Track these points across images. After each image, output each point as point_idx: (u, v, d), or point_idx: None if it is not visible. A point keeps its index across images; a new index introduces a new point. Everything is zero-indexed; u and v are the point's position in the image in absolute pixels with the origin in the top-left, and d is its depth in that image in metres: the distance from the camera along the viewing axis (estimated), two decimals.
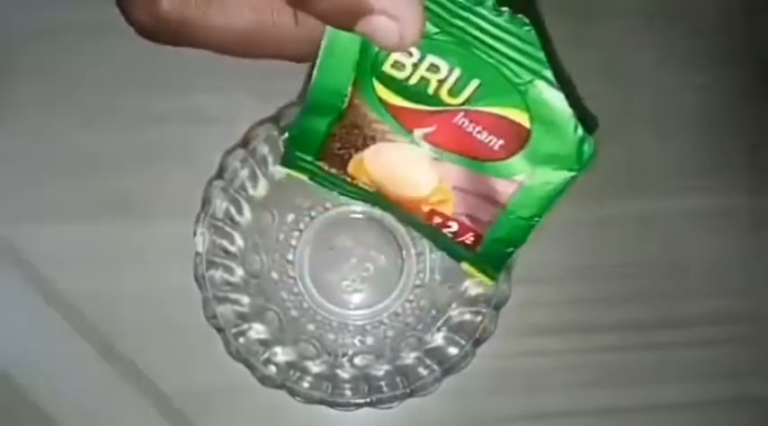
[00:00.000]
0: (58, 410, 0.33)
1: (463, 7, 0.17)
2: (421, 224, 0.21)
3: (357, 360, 0.32)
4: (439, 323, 0.31)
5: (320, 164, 0.21)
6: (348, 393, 0.29)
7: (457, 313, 0.31)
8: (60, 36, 0.35)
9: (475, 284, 0.31)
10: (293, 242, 0.33)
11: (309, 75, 0.18)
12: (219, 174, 0.30)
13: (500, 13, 0.17)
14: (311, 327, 0.32)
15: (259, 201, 0.31)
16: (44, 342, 0.34)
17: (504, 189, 0.19)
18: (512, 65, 0.17)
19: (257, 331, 0.30)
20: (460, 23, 0.17)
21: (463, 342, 0.29)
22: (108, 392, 0.33)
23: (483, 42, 0.17)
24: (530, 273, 0.32)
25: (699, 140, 0.37)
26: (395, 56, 0.18)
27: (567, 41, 0.38)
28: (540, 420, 0.34)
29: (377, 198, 0.21)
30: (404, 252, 0.34)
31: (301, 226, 0.33)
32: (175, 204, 0.31)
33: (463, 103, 0.18)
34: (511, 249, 0.21)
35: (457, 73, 0.18)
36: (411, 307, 0.33)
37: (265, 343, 0.30)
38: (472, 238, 0.21)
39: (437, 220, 0.21)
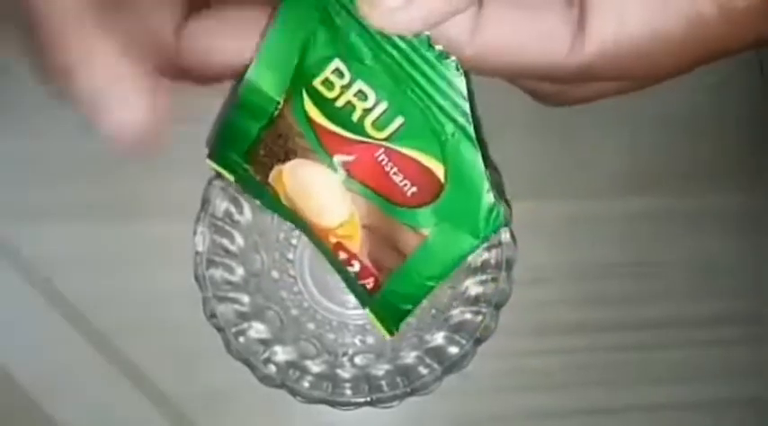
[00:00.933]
0: (57, 410, 0.33)
1: (400, 38, 0.16)
2: (331, 256, 0.20)
3: (357, 360, 0.32)
4: (439, 323, 0.31)
5: (247, 167, 0.20)
6: (348, 392, 0.29)
7: (457, 312, 0.31)
8: None
9: (475, 284, 0.31)
10: (293, 241, 0.33)
11: None
12: (219, 174, 0.30)
13: (434, 51, 0.16)
14: (311, 326, 0.32)
15: None
16: (44, 342, 0.34)
17: (409, 239, 0.18)
18: (437, 111, 0.17)
19: (257, 330, 0.30)
20: (395, 54, 0.16)
21: (464, 342, 0.29)
22: (108, 391, 0.33)
23: (413, 80, 0.17)
24: (530, 273, 0.32)
25: (702, 141, 0.37)
26: (326, 73, 0.17)
27: None
28: (541, 419, 0.34)
29: (293, 216, 0.20)
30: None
31: None
32: (175, 203, 0.31)
33: (385, 139, 0.17)
34: (408, 306, 0.20)
35: (383, 106, 0.17)
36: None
37: (265, 343, 0.30)
38: (372, 283, 0.20)
39: (342, 256, 0.20)
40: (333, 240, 0.19)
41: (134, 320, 0.33)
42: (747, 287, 0.36)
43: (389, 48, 0.16)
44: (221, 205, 0.30)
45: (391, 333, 0.21)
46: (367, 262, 0.19)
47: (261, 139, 0.19)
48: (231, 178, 0.20)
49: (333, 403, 0.29)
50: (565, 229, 0.36)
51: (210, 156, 0.20)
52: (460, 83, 0.17)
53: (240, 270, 0.30)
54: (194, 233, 0.29)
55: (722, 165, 0.37)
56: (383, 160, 0.18)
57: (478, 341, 0.29)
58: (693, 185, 0.37)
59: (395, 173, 0.18)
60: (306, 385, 0.29)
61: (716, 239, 0.36)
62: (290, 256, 0.33)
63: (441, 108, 0.17)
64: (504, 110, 0.37)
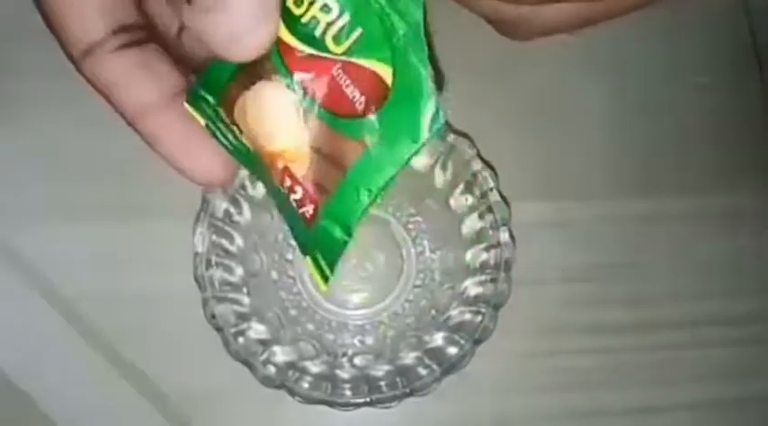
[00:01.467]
0: (57, 410, 0.33)
1: None
2: (281, 195, 0.20)
3: (357, 360, 0.32)
4: (438, 323, 0.31)
5: (220, 110, 0.20)
6: (348, 392, 0.29)
7: (456, 313, 0.31)
8: None
9: (474, 284, 0.31)
10: (293, 241, 0.33)
11: None
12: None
13: None
14: (310, 327, 0.32)
15: (259, 201, 0.31)
16: (44, 342, 0.34)
17: (351, 151, 0.18)
18: (392, 15, 0.17)
19: (256, 330, 0.30)
20: None
21: (463, 342, 0.29)
22: (108, 392, 0.33)
23: None
24: (529, 273, 0.32)
25: (703, 141, 0.37)
26: None
27: (570, 38, 0.38)
28: (540, 420, 0.34)
29: (252, 157, 0.20)
30: (403, 252, 0.34)
31: None
32: (175, 204, 0.31)
33: (343, 53, 0.18)
34: (341, 235, 0.19)
35: (346, 18, 0.17)
36: (411, 307, 0.33)
37: (265, 343, 0.30)
38: (311, 211, 0.19)
39: (287, 183, 0.19)
40: (280, 165, 0.19)
41: (133, 320, 0.33)
42: (749, 286, 0.36)
43: None
44: (221, 205, 0.30)
45: (326, 280, 0.20)
46: (309, 187, 0.19)
47: (236, 76, 0.19)
48: (202, 122, 0.20)
49: (332, 404, 0.29)
50: (564, 230, 0.36)
51: (187, 100, 0.20)
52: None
53: (239, 271, 0.30)
54: (194, 233, 0.29)
55: (722, 166, 0.37)
56: (339, 75, 0.18)
57: (477, 342, 0.29)
58: (693, 186, 0.37)
59: (348, 86, 0.18)
60: (305, 385, 0.29)
61: (719, 239, 0.36)
62: (290, 257, 0.33)
63: (397, 11, 0.17)
64: (504, 110, 0.37)
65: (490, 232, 0.31)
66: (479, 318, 0.30)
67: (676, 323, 0.35)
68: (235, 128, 0.20)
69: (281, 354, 0.30)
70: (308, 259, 0.20)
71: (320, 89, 0.18)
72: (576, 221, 0.36)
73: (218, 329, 0.29)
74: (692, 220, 0.36)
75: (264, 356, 0.29)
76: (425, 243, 0.34)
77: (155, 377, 0.33)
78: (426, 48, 0.17)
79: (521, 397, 0.34)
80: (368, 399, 0.29)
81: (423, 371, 0.30)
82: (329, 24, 0.17)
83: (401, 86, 0.17)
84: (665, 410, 0.35)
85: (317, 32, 0.18)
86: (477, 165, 0.31)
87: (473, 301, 0.31)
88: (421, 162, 0.32)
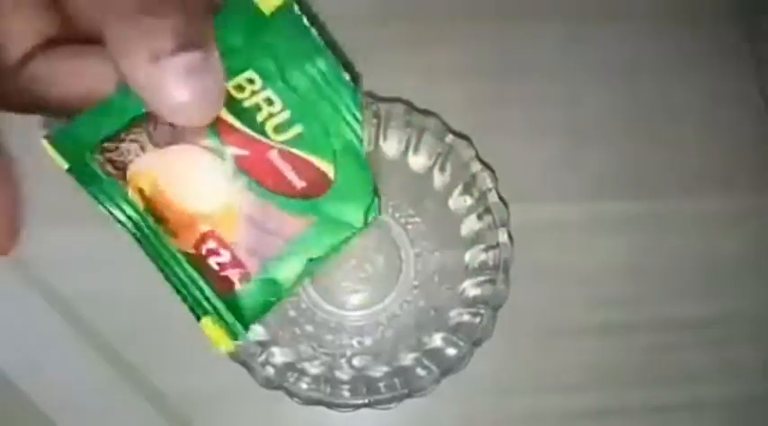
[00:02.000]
0: (57, 410, 0.33)
1: (310, 64, 0.19)
2: (173, 256, 0.20)
3: (355, 361, 0.32)
4: (437, 325, 0.31)
5: (96, 156, 0.19)
6: (346, 394, 0.29)
7: (455, 314, 0.31)
8: None
9: (473, 285, 0.31)
10: None
11: None
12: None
13: (342, 77, 0.19)
14: (309, 328, 0.32)
15: None
16: (43, 343, 0.34)
17: (293, 226, 0.20)
18: (335, 126, 0.20)
19: (255, 332, 0.30)
20: (305, 76, 0.19)
21: (462, 343, 0.29)
22: (107, 392, 0.33)
23: (319, 97, 0.19)
24: (528, 274, 0.32)
25: (701, 143, 0.37)
26: (239, 79, 0.19)
27: (569, 41, 0.38)
28: (539, 420, 0.34)
29: (139, 218, 0.20)
30: (402, 253, 0.34)
31: None
32: None
33: (283, 142, 0.19)
34: (273, 298, 0.21)
35: (287, 114, 0.19)
36: (409, 308, 0.33)
37: (263, 344, 0.30)
38: (238, 275, 0.21)
39: (210, 245, 0.20)
40: (203, 228, 0.20)
41: (132, 321, 0.33)
42: (750, 286, 0.36)
43: (300, 73, 0.19)
44: None
45: (234, 338, 0.21)
46: (239, 253, 0.20)
47: (135, 123, 0.19)
48: (65, 166, 0.20)
49: (331, 405, 0.29)
50: (562, 231, 0.36)
51: (49, 139, 0.19)
52: (358, 106, 0.20)
53: None
54: None
55: (722, 166, 0.37)
56: (277, 159, 0.20)
57: (476, 343, 0.29)
58: (692, 187, 0.37)
59: (287, 170, 0.20)
60: (304, 386, 0.29)
61: (720, 239, 0.36)
62: None
63: (339, 123, 0.20)
64: (506, 113, 0.37)
65: (489, 233, 0.31)
66: (478, 319, 0.30)
67: (676, 323, 0.35)
68: (118, 181, 0.20)
69: (279, 355, 0.30)
70: (209, 319, 0.21)
71: (255, 167, 0.20)
72: (575, 222, 0.36)
73: None
74: (691, 221, 0.36)
75: (263, 357, 0.29)
76: (424, 244, 0.34)
77: (154, 377, 0.33)
78: (367, 160, 0.20)
79: (519, 398, 0.34)
80: (367, 400, 0.29)
81: (421, 372, 0.30)
82: (271, 115, 0.19)
83: (343, 182, 0.20)
84: (665, 409, 0.35)
85: (259, 118, 0.19)
86: (475, 166, 0.31)
87: (472, 302, 0.31)
88: (420, 163, 0.33)
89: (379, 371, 0.30)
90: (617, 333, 0.35)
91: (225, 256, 0.20)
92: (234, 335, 0.21)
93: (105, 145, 0.19)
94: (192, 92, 0.17)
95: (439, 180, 0.32)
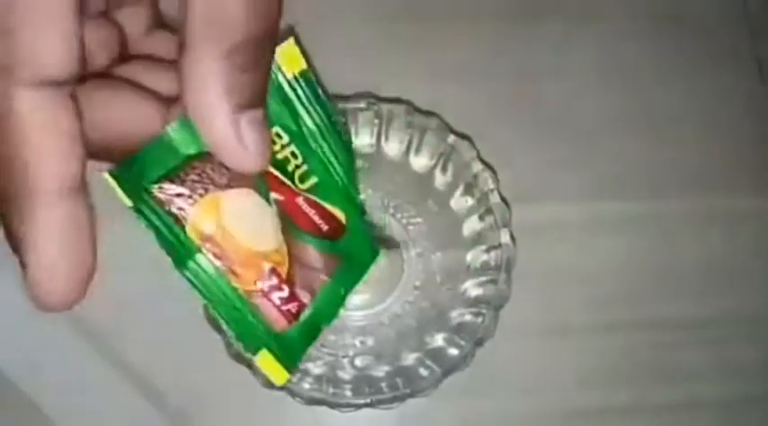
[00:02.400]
0: (57, 410, 0.33)
1: (316, 115, 0.22)
2: (230, 293, 0.22)
3: (358, 361, 0.32)
4: (439, 325, 0.31)
5: (155, 193, 0.20)
6: (349, 393, 0.29)
7: (457, 314, 0.31)
8: None
9: (475, 285, 0.31)
10: None
11: None
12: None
13: (342, 136, 0.22)
14: None
15: None
16: (43, 343, 0.34)
17: (330, 262, 0.23)
18: (341, 175, 0.23)
19: None
20: (309, 124, 0.22)
21: (463, 343, 0.30)
22: (108, 393, 0.33)
23: (323, 148, 0.22)
24: (529, 274, 0.32)
25: (700, 144, 0.38)
26: (276, 128, 0.21)
27: (569, 42, 0.38)
28: (541, 420, 0.34)
29: (197, 256, 0.21)
30: (404, 254, 0.34)
31: None
32: None
33: (306, 190, 0.22)
34: (318, 330, 0.23)
35: (306, 167, 0.22)
36: (411, 309, 0.33)
37: None
38: (296, 307, 0.23)
39: (272, 282, 0.22)
40: (266, 266, 0.22)
41: (133, 321, 0.33)
42: (749, 287, 0.36)
43: (312, 132, 0.22)
44: None
45: (289, 371, 0.23)
46: (296, 288, 0.22)
47: (192, 164, 0.20)
48: (129, 204, 0.20)
49: (333, 405, 0.29)
50: (564, 231, 0.36)
51: (114, 175, 0.20)
52: (353, 161, 0.23)
53: None
54: None
55: (722, 166, 0.37)
56: (303, 205, 0.22)
57: (478, 343, 0.29)
58: (691, 187, 0.37)
59: (312, 215, 0.23)
60: (306, 386, 0.29)
61: (721, 240, 0.37)
62: None
63: (340, 176, 0.23)
64: (507, 112, 0.37)
65: (491, 233, 0.31)
66: (480, 319, 0.30)
67: (675, 322, 0.35)
68: (170, 218, 0.21)
69: None
70: (265, 353, 0.23)
71: (291, 211, 0.22)
72: (576, 222, 0.36)
73: (220, 331, 0.29)
74: (690, 220, 0.37)
75: None
76: (426, 244, 0.34)
77: (154, 377, 0.33)
78: (365, 212, 0.24)
79: (522, 398, 0.34)
80: (369, 400, 0.29)
81: (423, 372, 0.30)
82: (297, 166, 0.22)
83: (352, 225, 0.23)
84: (665, 409, 0.35)
85: (288, 168, 0.22)
86: (477, 167, 0.31)
87: (473, 302, 0.31)
88: (421, 163, 0.33)
89: (381, 371, 0.30)
90: (617, 333, 0.35)
91: (285, 291, 0.22)
92: (288, 368, 0.23)
93: (164, 184, 0.20)
94: (258, 142, 0.18)
95: (440, 180, 0.32)
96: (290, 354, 0.23)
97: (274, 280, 0.22)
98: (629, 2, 0.39)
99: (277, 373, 0.23)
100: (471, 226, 0.32)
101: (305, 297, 0.22)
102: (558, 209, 0.36)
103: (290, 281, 0.22)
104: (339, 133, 0.22)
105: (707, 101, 0.38)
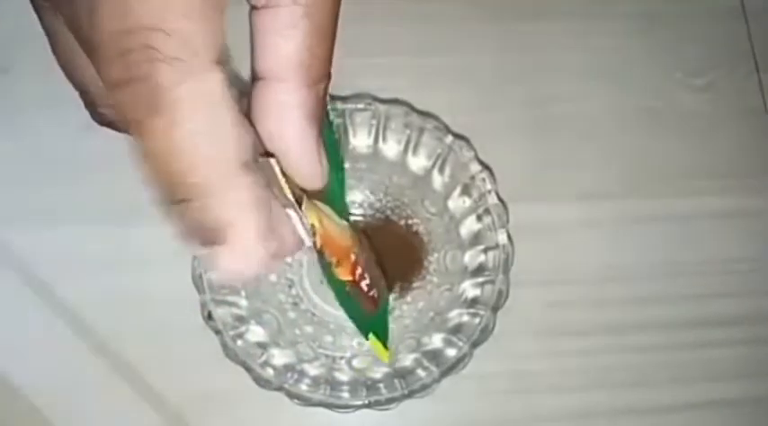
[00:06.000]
0: (56, 411, 0.33)
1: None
2: (343, 284, 0.24)
3: (355, 362, 0.32)
4: (437, 325, 0.31)
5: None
6: (346, 395, 0.29)
7: (455, 315, 0.31)
8: None
9: (473, 286, 0.31)
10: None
11: None
12: None
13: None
14: (309, 329, 0.32)
15: None
16: (43, 344, 0.34)
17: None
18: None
19: (255, 333, 0.30)
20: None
21: (461, 344, 0.29)
22: (106, 394, 0.33)
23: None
24: (527, 275, 0.32)
25: (701, 143, 0.38)
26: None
27: (568, 42, 0.38)
28: (539, 422, 0.34)
29: (319, 248, 0.22)
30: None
31: None
32: None
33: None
34: (387, 307, 0.27)
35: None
36: (409, 309, 0.33)
37: (263, 346, 0.30)
38: (376, 294, 0.25)
39: (359, 271, 0.24)
40: (353, 257, 0.24)
41: (132, 323, 0.33)
42: (749, 287, 0.36)
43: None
44: None
45: (387, 350, 0.26)
46: (370, 276, 0.25)
47: None
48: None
49: (330, 406, 0.29)
50: (561, 233, 0.36)
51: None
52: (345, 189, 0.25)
53: None
54: None
55: (722, 166, 0.37)
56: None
57: (476, 344, 0.29)
58: (691, 187, 0.37)
59: None
60: (303, 387, 0.29)
61: (714, 240, 0.37)
62: (288, 260, 0.33)
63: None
64: (504, 114, 0.37)
65: (488, 234, 0.31)
66: (478, 320, 0.30)
67: (676, 323, 0.35)
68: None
69: (279, 356, 0.30)
70: (372, 337, 0.27)
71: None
72: (574, 223, 0.36)
73: (217, 332, 0.29)
74: (690, 221, 0.36)
75: (263, 358, 0.29)
76: (424, 245, 0.34)
77: (154, 378, 0.33)
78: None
79: (519, 398, 0.34)
80: (366, 401, 0.29)
81: (421, 373, 0.30)
82: None
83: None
84: (665, 410, 0.35)
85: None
86: (475, 167, 0.31)
87: (471, 303, 0.31)
88: (419, 164, 0.33)
89: (378, 372, 0.30)
90: (617, 334, 0.35)
91: (367, 279, 0.25)
92: (387, 347, 0.26)
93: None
94: (325, 159, 0.20)
95: (438, 181, 0.32)
96: (383, 334, 0.27)
97: (359, 270, 0.24)
98: (628, 2, 0.39)
99: (382, 352, 0.27)
100: (469, 226, 0.32)
101: (378, 286, 0.26)
102: (556, 210, 0.36)
103: (367, 270, 0.25)
104: (340, 156, 0.24)
105: (707, 101, 0.38)
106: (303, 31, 0.18)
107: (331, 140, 0.23)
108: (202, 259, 0.19)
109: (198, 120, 0.16)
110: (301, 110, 0.18)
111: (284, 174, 0.19)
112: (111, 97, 0.16)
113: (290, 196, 0.20)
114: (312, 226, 0.21)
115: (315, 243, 0.21)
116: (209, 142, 0.16)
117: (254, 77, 0.18)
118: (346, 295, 0.25)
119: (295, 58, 0.18)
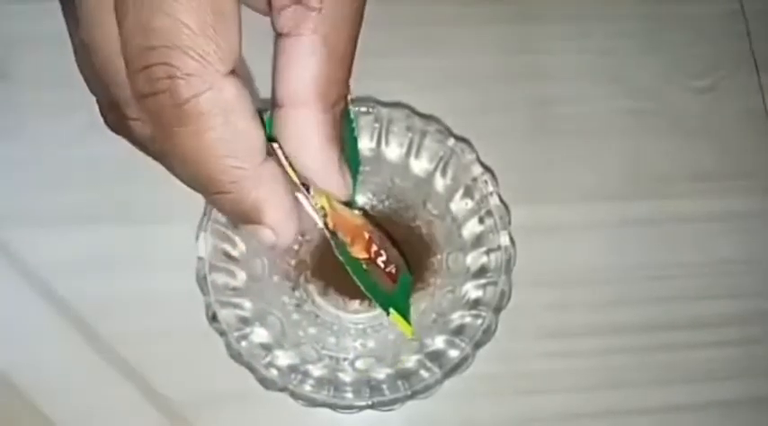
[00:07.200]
0: (57, 412, 0.33)
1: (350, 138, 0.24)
2: (359, 263, 0.25)
3: (358, 363, 0.32)
4: (440, 327, 0.31)
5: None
6: (350, 396, 0.29)
7: (457, 316, 0.31)
8: (62, 41, 0.35)
9: (475, 287, 0.31)
10: (294, 246, 0.33)
11: None
12: None
13: None
14: (312, 331, 0.33)
15: None
16: (44, 345, 0.34)
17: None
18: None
19: (259, 334, 0.30)
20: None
21: (464, 345, 0.30)
22: (109, 395, 0.33)
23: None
24: (530, 276, 0.32)
25: (701, 144, 0.38)
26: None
27: (568, 43, 0.38)
28: (541, 423, 0.34)
29: (332, 228, 0.23)
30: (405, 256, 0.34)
31: None
32: (178, 208, 0.31)
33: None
34: (409, 283, 0.27)
35: None
36: (411, 311, 0.33)
37: (267, 347, 0.30)
38: (394, 269, 0.26)
39: (374, 248, 0.25)
40: (367, 235, 0.25)
41: (136, 324, 0.33)
42: (748, 287, 0.36)
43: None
44: None
45: (409, 322, 0.27)
46: (387, 253, 0.25)
47: None
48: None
49: (334, 407, 0.29)
50: (564, 233, 0.36)
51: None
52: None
53: (242, 275, 0.31)
54: (196, 238, 0.29)
55: (722, 166, 0.38)
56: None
57: (478, 345, 0.29)
58: (693, 186, 0.37)
59: None
60: (307, 388, 0.29)
61: (714, 241, 0.37)
62: (292, 261, 0.34)
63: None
64: (506, 115, 0.37)
65: (490, 235, 0.31)
66: (480, 321, 0.30)
67: (676, 324, 0.36)
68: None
69: (283, 358, 0.30)
70: (393, 312, 0.27)
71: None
72: (576, 224, 0.36)
73: (221, 333, 0.29)
74: (690, 222, 0.37)
75: (267, 360, 0.29)
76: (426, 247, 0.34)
77: (156, 379, 0.33)
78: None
79: (521, 401, 0.34)
80: (370, 402, 0.29)
81: (424, 374, 0.30)
82: None
83: None
84: (665, 410, 0.35)
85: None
86: (476, 170, 0.31)
87: (474, 304, 0.31)
88: (421, 167, 0.33)
89: (381, 373, 0.30)
90: (618, 335, 0.35)
91: (383, 256, 0.26)
92: (408, 322, 0.27)
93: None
94: (348, 174, 0.22)
95: (440, 183, 0.33)
96: (404, 310, 0.27)
97: (375, 246, 0.25)
98: (629, 4, 0.39)
99: (406, 327, 0.27)
100: (471, 228, 0.32)
101: (396, 261, 0.26)
102: (558, 211, 0.36)
103: (382, 247, 0.25)
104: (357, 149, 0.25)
105: (707, 101, 0.38)
106: (321, 58, 0.18)
107: (351, 137, 0.24)
108: (250, 231, 0.21)
109: (218, 127, 0.17)
110: (320, 134, 0.19)
111: (287, 159, 0.20)
112: (140, 107, 0.17)
113: (295, 180, 0.21)
114: (322, 208, 0.22)
115: (326, 224, 0.22)
116: (231, 143, 0.18)
117: (274, 104, 0.19)
118: (363, 272, 0.25)
119: (312, 86, 0.19)
